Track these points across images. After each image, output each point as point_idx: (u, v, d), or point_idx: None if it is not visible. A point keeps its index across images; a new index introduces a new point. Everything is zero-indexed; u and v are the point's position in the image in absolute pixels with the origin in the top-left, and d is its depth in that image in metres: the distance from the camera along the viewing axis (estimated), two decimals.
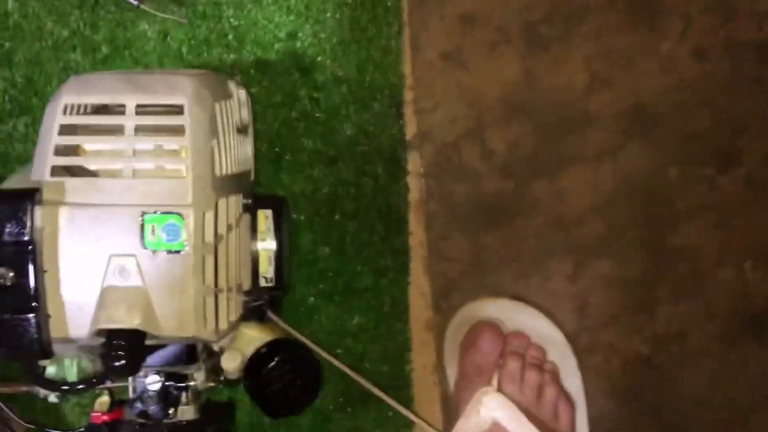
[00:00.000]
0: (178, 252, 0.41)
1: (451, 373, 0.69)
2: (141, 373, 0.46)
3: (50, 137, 0.41)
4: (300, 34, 0.64)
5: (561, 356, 0.69)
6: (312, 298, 0.67)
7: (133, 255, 0.41)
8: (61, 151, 0.41)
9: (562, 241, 0.69)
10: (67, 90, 0.42)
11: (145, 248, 0.41)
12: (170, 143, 0.42)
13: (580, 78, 0.68)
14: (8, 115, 0.62)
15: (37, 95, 0.62)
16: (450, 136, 0.67)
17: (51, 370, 0.47)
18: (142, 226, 0.41)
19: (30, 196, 0.39)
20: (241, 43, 0.63)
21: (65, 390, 0.45)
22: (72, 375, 0.47)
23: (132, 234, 0.41)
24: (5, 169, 0.62)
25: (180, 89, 0.42)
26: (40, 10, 0.61)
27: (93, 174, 0.42)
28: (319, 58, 0.64)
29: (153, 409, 0.46)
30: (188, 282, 0.41)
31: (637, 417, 0.73)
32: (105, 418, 0.48)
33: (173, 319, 0.41)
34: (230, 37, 0.63)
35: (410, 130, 0.67)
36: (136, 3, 0.57)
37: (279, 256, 0.50)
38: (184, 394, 0.48)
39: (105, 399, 0.51)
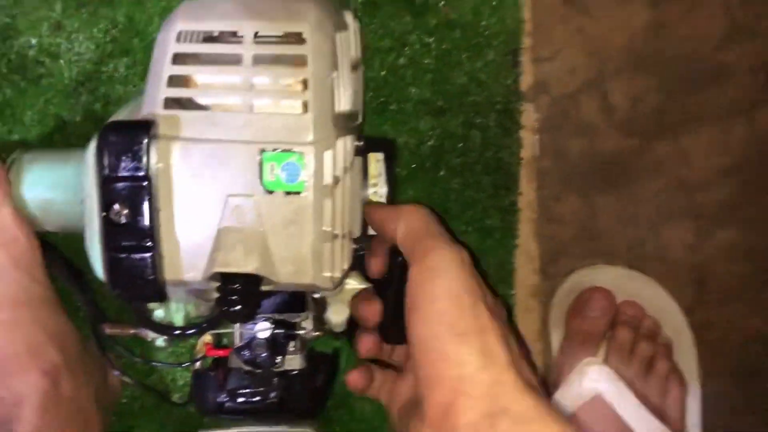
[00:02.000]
0: (297, 193, 0.38)
1: (556, 341, 0.65)
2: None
3: (163, 67, 0.39)
4: None
5: (676, 330, 0.64)
6: None
7: (250, 195, 0.38)
8: (174, 82, 0.39)
9: (685, 207, 0.64)
10: (181, 16, 0.39)
11: (264, 188, 0.38)
12: (290, 75, 0.38)
13: (716, 27, 0.61)
14: (109, 57, 0.61)
15: (138, 36, 0.60)
16: (568, 88, 0.62)
17: (158, 314, 0.46)
18: (261, 165, 0.38)
19: (146, 128, 0.37)
20: None
21: (176, 334, 0.43)
22: (179, 319, 0.45)
23: (250, 173, 0.38)
24: (106, 112, 0.61)
25: (302, 16, 0.39)
26: None
27: (204, 108, 0.40)
28: (432, 0, 0.60)
29: (261, 357, 0.44)
30: (307, 226, 0.38)
31: (754, 399, 0.67)
32: (220, 352, 0.46)
33: (290, 265, 0.39)
34: None
35: (526, 80, 0.62)
36: None
37: (390, 203, 0.46)
38: (291, 343, 0.45)
39: (208, 338, 0.49)
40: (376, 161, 0.47)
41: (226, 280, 0.38)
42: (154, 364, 0.56)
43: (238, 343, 0.45)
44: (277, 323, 0.44)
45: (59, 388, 0.49)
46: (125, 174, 0.36)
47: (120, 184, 0.37)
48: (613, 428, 0.59)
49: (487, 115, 0.62)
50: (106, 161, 0.36)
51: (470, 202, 0.62)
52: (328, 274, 0.40)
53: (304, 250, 0.38)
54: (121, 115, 0.43)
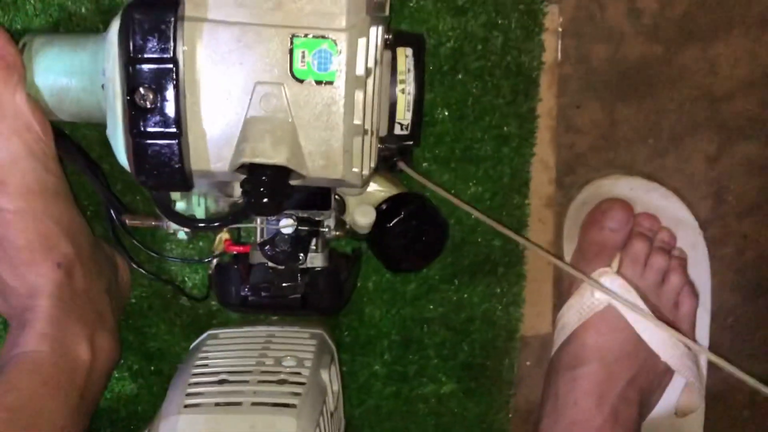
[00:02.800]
0: (329, 83, 0.36)
1: (569, 251, 0.64)
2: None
3: None
4: None
5: (691, 243, 0.64)
6: (426, 164, 0.62)
7: (280, 84, 0.36)
8: None
9: (708, 118, 0.63)
10: None
11: (293, 77, 0.36)
12: None
13: None
14: None
15: None
16: None
17: (180, 206, 0.44)
18: (291, 52, 0.36)
19: (173, 7, 0.34)
20: None
21: (201, 226, 0.42)
22: (200, 213, 0.44)
23: (280, 60, 0.36)
24: (113, 4, 0.58)
25: None
26: None
27: None
28: None
29: (284, 252, 0.43)
30: (338, 118, 0.37)
31: (763, 313, 0.68)
32: (239, 248, 0.45)
33: (320, 158, 0.37)
34: None
35: None
36: None
37: (417, 102, 0.45)
38: (314, 241, 0.45)
39: (226, 236, 0.48)
40: (405, 56, 0.45)
41: (254, 171, 0.37)
42: (171, 258, 0.55)
43: (260, 238, 0.44)
44: (300, 220, 0.43)
45: (73, 280, 0.49)
46: (151, 56, 0.34)
47: (145, 66, 0.34)
48: (625, 338, 0.59)
49: (509, 16, 0.59)
50: (131, 42, 0.34)
51: (488, 108, 0.61)
52: (357, 169, 0.38)
53: (334, 143, 0.37)
54: None
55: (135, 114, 0.35)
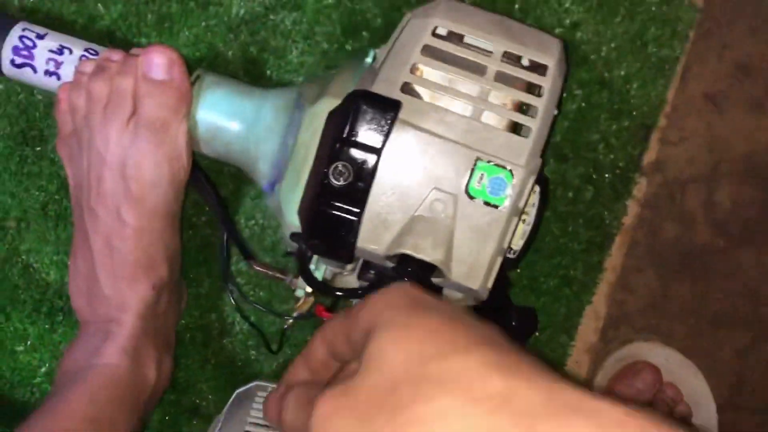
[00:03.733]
0: (495, 207, 0.40)
1: None
2: None
3: (411, 53, 0.41)
4: (583, 27, 0.63)
5: (705, 423, 0.68)
6: None
7: (453, 194, 0.40)
8: (415, 70, 0.41)
9: (747, 315, 0.68)
10: (441, 12, 0.41)
11: (467, 193, 0.40)
12: (524, 99, 0.41)
13: None
14: (280, 6, 0.62)
15: None
16: (682, 175, 0.66)
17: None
18: (472, 171, 0.40)
19: (396, 107, 0.39)
20: (524, 15, 0.62)
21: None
22: (318, 276, 0.47)
23: (459, 175, 0.40)
24: (260, 58, 0.62)
25: (550, 50, 0.41)
26: None
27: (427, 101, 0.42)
28: (592, 56, 0.63)
29: None
30: (493, 238, 0.41)
31: None
32: (327, 315, 0.48)
33: (465, 267, 0.41)
34: (516, 6, 0.62)
35: (648, 156, 0.65)
36: None
37: (532, 234, 0.49)
38: None
39: (311, 299, 0.51)
40: (533, 192, 0.50)
41: (404, 261, 0.40)
42: (256, 305, 0.57)
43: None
44: None
45: (159, 303, 0.51)
46: (362, 141, 0.38)
47: (353, 149, 0.38)
48: None
49: (604, 176, 0.65)
50: (349, 124, 0.38)
51: (563, 249, 0.66)
52: (489, 285, 0.42)
53: (482, 258, 0.41)
54: (345, 75, 0.45)
55: (327, 186, 0.39)
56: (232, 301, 0.55)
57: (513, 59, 0.41)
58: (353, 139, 0.38)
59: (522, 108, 0.41)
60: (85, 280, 0.50)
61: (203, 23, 0.62)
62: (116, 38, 0.62)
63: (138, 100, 0.48)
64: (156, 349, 0.51)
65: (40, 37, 0.51)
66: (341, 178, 0.38)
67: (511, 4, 0.61)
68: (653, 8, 0.63)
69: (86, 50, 0.51)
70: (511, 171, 0.40)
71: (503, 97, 0.41)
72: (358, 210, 0.39)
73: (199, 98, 0.50)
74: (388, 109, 0.38)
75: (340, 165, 0.38)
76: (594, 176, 0.65)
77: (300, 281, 0.47)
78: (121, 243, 0.48)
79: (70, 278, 0.53)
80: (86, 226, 0.50)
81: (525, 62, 0.42)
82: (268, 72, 0.63)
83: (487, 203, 0.40)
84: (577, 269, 0.66)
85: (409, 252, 0.40)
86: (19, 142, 0.64)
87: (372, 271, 0.44)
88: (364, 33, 0.62)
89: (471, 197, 0.40)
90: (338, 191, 0.39)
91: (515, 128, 0.41)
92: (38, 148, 0.64)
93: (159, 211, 0.49)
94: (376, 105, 0.38)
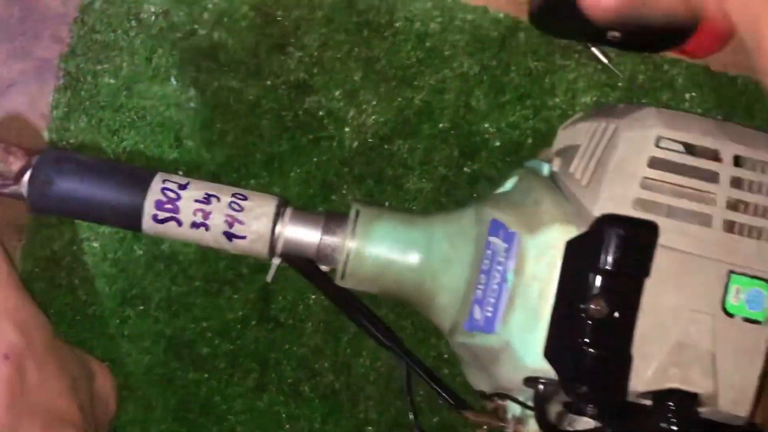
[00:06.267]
0: (756, 322, 0.37)
1: None
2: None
3: (637, 167, 0.38)
4: None
5: None
6: None
7: (710, 314, 0.37)
8: (646, 184, 0.38)
9: None
10: (660, 122, 0.39)
11: (724, 311, 0.37)
12: (762, 202, 0.39)
13: None
14: (395, 135, 0.60)
15: (430, 122, 0.60)
16: None
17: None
18: (727, 286, 0.37)
19: (654, 230, 0.36)
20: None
21: None
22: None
23: (714, 292, 0.37)
24: (378, 190, 0.60)
25: None
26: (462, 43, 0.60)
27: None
28: None
29: None
30: (758, 357, 0.37)
31: None
32: None
33: (732, 393, 0.37)
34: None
35: None
36: (605, 60, 0.56)
37: None
38: None
39: None
40: None
41: (664, 395, 0.36)
42: None
43: None
44: None
45: (25, 375, 0.45)
46: (624, 271, 0.35)
47: (613, 280, 0.35)
48: None
49: None
50: (606, 253, 0.35)
51: None
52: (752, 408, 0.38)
53: (749, 381, 0.37)
54: (540, 194, 0.42)
55: (587, 323, 0.35)
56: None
57: (743, 163, 0.40)
58: (611, 269, 0.35)
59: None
60: None
61: (314, 159, 0.60)
62: (222, 182, 0.59)
63: None
64: (42, 425, 0.45)
65: (183, 187, 0.47)
66: (601, 313, 0.35)
67: None
68: None
69: (234, 195, 0.47)
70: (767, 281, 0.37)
71: (752, 201, 0.39)
72: (627, 346, 0.35)
73: (369, 233, 0.47)
74: (646, 234, 0.36)
75: (599, 299, 0.35)
76: None
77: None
78: None
79: None
80: None
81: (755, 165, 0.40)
82: (387, 203, 0.60)
83: (746, 320, 0.37)
84: None
85: (678, 386, 0.36)
86: (118, 303, 0.59)
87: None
88: (483, 153, 0.60)
89: (729, 315, 0.37)
90: (600, 327, 0.35)
91: (760, 234, 0.38)
92: (140, 308, 0.59)
93: None
94: (633, 230, 0.36)
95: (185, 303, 0.59)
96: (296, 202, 0.59)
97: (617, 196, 0.38)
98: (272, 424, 0.59)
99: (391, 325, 0.55)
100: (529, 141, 0.61)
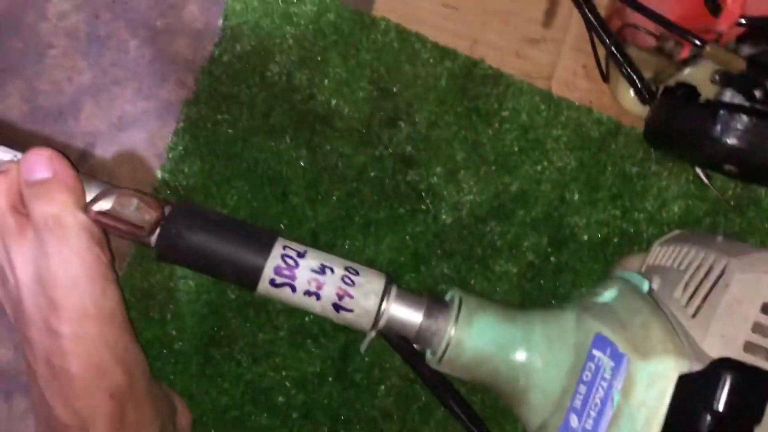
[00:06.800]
0: None
1: None
2: None
3: (748, 310, 0.41)
4: None
5: None
6: None
7: None
8: (759, 329, 0.40)
9: None
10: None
11: None
12: None
13: None
14: (490, 217, 0.62)
15: (525, 208, 0.63)
16: None
17: None
18: None
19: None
20: None
21: None
22: None
23: None
24: (480, 268, 0.62)
25: None
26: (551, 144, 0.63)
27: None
28: None
29: None
30: None
31: None
32: None
33: None
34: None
35: None
36: (706, 180, 0.59)
37: None
38: None
39: None
40: None
41: None
42: None
43: None
44: None
45: (125, 415, 0.46)
46: (736, 417, 0.37)
47: (721, 423, 0.37)
48: None
49: None
50: (720, 397, 0.37)
51: None
52: None
53: None
54: (645, 317, 0.44)
55: None
56: None
57: None
58: (724, 412, 0.37)
59: None
60: (43, 416, 0.46)
61: (409, 229, 0.62)
62: (319, 240, 0.62)
63: (28, 207, 0.46)
64: None
65: (301, 255, 0.50)
66: None
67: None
68: None
69: (347, 269, 0.50)
70: None
71: None
72: None
73: (467, 323, 0.49)
74: (762, 383, 0.38)
75: None
76: None
77: None
78: (60, 359, 0.44)
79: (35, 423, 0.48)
80: (28, 358, 0.46)
81: None
82: (473, 281, 0.62)
83: None
84: None
85: None
86: (205, 342, 0.61)
87: None
88: (571, 245, 0.63)
89: None
90: None
91: None
92: (225, 349, 0.61)
93: (89, 313, 0.45)
94: (751, 377, 0.38)
95: (268, 351, 0.61)
96: (386, 268, 0.62)
97: (729, 336, 0.40)
98: None
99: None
100: (615, 240, 0.63)
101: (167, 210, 0.50)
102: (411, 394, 0.62)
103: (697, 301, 0.43)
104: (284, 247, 0.50)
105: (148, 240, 0.50)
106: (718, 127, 0.47)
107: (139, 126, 0.62)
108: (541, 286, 0.62)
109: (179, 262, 0.49)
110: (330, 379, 0.61)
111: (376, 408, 0.62)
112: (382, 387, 0.62)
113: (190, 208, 0.50)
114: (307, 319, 0.61)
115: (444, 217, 0.62)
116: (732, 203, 0.60)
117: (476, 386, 0.60)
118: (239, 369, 0.61)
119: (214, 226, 0.49)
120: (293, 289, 0.49)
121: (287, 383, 0.61)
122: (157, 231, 0.49)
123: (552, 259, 0.63)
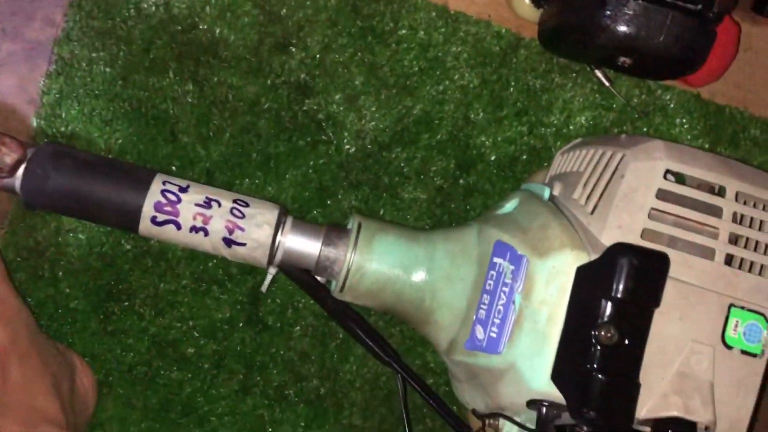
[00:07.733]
0: (753, 355, 0.38)
1: None
2: None
3: (645, 198, 0.39)
4: None
5: None
6: None
7: (711, 346, 0.38)
8: (653, 215, 0.39)
9: None
10: (668, 155, 0.40)
11: (724, 343, 0.38)
12: (763, 239, 0.40)
13: None
14: (393, 142, 0.60)
15: (429, 132, 0.60)
16: None
17: None
18: (726, 319, 0.38)
19: (665, 261, 0.37)
20: None
21: None
22: None
23: (715, 324, 0.38)
24: (372, 202, 0.59)
25: None
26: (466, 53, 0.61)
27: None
28: None
29: None
30: (753, 390, 0.39)
31: None
32: None
33: (726, 423, 0.38)
34: None
35: None
36: (607, 82, 0.57)
37: None
38: None
39: None
40: None
41: (664, 424, 0.37)
42: None
43: None
44: None
45: (8, 371, 0.44)
46: (636, 299, 0.36)
47: (623, 307, 0.36)
48: None
49: None
50: (619, 281, 0.36)
51: None
52: None
53: (743, 413, 0.39)
54: (546, 219, 0.42)
55: (597, 349, 0.36)
56: None
57: (745, 200, 0.41)
58: (623, 297, 0.36)
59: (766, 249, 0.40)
60: None
61: (311, 162, 0.59)
62: (215, 179, 0.58)
63: None
64: (23, 423, 0.44)
65: (183, 190, 0.46)
66: (611, 340, 0.35)
67: None
68: None
69: (236, 201, 0.47)
70: (764, 316, 0.38)
71: (749, 236, 0.40)
72: (635, 373, 0.36)
73: (371, 247, 0.46)
74: (659, 264, 0.36)
75: (609, 326, 0.35)
76: None
77: None
78: None
79: None
80: None
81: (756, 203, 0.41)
82: (381, 210, 0.60)
83: (744, 352, 0.38)
84: None
85: (679, 415, 0.37)
86: (102, 298, 0.57)
87: None
88: (479, 167, 0.61)
89: (728, 347, 0.38)
90: (610, 354, 0.36)
91: (759, 270, 0.39)
92: (125, 303, 0.58)
93: None
94: (647, 260, 0.36)
95: (172, 301, 0.58)
96: (291, 206, 0.59)
97: (625, 225, 0.39)
98: (255, 427, 0.58)
99: (380, 332, 0.55)
100: (524, 157, 0.61)
101: (31, 152, 0.46)
102: (327, 333, 0.59)
103: (595, 197, 0.42)
104: (164, 182, 0.46)
105: (13, 185, 0.45)
106: (608, 14, 0.45)
107: (7, 71, 0.57)
108: (451, 210, 0.60)
109: (51, 208, 0.46)
110: (241, 324, 0.59)
111: (293, 350, 0.59)
112: (297, 328, 0.59)
113: (57, 149, 0.46)
114: (210, 264, 0.58)
115: (347, 146, 0.60)
116: (638, 110, 0.59)
117: (394, 318, 0.58)
118: (142, 323, 0.58)
119: (86, 166, 0.46)
120: (178, 226, 0.46)
121: (195, 333, 0.58)
122: (20, 174, 0.45)
123: (461, 182, 0.61)
